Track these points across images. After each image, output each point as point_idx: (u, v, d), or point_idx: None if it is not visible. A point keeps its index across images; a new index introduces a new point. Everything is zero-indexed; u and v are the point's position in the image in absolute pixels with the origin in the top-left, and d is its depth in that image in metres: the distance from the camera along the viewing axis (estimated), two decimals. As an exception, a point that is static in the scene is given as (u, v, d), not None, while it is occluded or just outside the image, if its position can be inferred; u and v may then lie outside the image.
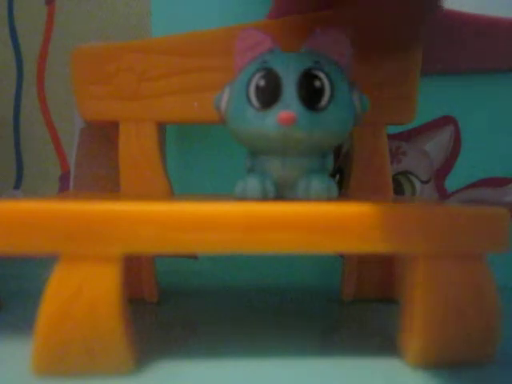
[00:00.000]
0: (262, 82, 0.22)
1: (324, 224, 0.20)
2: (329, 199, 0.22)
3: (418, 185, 0.36)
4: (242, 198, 0.23)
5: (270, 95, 0.22)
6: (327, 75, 0.22)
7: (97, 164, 0.35)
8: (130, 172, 0.30)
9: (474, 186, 0.37)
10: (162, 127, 0.32)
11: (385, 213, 0.20)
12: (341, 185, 0.34)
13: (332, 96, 0.22)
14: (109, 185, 0.34)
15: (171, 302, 0.31)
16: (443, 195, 0.37)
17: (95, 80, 0.30)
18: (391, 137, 0.35)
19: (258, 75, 0.23)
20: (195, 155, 0.36)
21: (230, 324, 0.27)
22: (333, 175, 0.36)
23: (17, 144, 0.44)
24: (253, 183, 0.23)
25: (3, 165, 0.44)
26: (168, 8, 0.36)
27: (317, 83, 0.22)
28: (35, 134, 0.44)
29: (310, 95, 0.22)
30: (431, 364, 0.21)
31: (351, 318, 0.29)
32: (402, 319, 0.22)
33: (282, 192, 0.23)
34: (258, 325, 0.27)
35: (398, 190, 0.36)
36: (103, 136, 0.35)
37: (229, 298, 0.32)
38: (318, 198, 0.22)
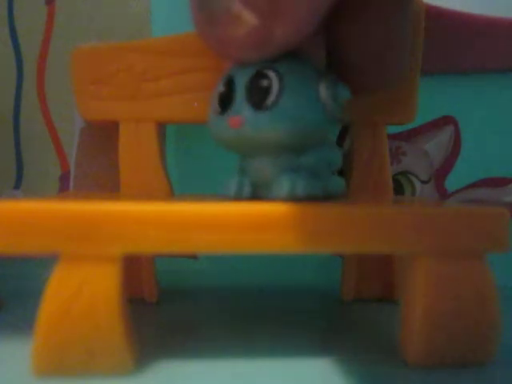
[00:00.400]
0: (221, 89, 0.23)
1: (324, 224, 0.20)
2: (293, 199, 0.22)
3: (417, 185, 0.36)
4: (224, 196, 0.24)
5: (225, 100, 0.23)
6: (278, 73, 0.22)
7: (97, 164, 0.35)
8: (130, 172, 0.30)
9: (474, 186, 0.37)
10: (162, 127, 0.32)
11: (385, 213, 0.20)
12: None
13: (281, 94, 0.22)
14: (109, 185, 0.34)
15: (171, 302, 0.31)
16: (443, 195, 0.37)
17: (95, 80, 0.30)
18: (391, 137, 0.35)
19: (220, 82, 0.24)
20: (195, 155, 0.36)
21: (230, 324, 0.27)
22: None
23: (17, 144, 0.44)
24: (229, 183, 0.24)
25: (3, 165, 0.44)
26: (168, 8, 0.36)
27: (264, 82, 0.22)
28: (35, 134, 0.44)
29: (257, 95, 0.22)
30: (431, 364, 0.21)
31: (351, 317, 0.29)
32: (402, 319, 0.22)
33: (258, 192, 0.24)
34: (258, 325, 0.27)
35: (398, 190, 0.36)
36: (103, 136, 0.35)
37: (229, 298, 0.32)
38: (280, 198, 0.22)
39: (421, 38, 0.29)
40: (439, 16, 0.33)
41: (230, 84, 0.23)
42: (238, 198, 0.23)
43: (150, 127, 0.30)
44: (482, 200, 0.36)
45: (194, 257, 0.37)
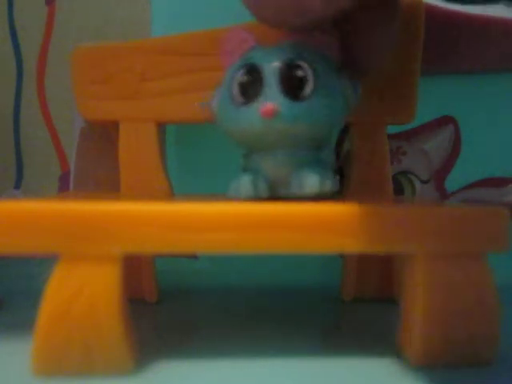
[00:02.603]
0: (244, 78, 0.22)
1: (324, 224, 0.20)
2: (323, 192, 0.22)
3: (417, 185, 0.36)
4: (235, 197, 0.23)
5: (251, 89, 0.22)
6: (310, 64, 0.22)
7: (97, 164, 0.35)
8: (130, 172, 0.30)
9: (473, 186, 0.37)
10: (162, 127, 0.32)
11: (385, 213, 0.20)
12: (341, 185, 0.34)
13: (316, 84, 0.22)
14: (109, 185, 0.34)
15: (171, 302, 0.31)
16: (443, 195, 0.37)
17: (95, 80, 0.30)
18: (391, 137, 0.35)
19: (240, 72, 0.22)
20: (195, 155, 0.36)
21: (229, 324, 0.27)
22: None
23: (17, 144, 0.44)
24: (245, 182, 0.22)
25: (3, 165, 0.44)
26: (168, 8, 0.36)
27: (299, 72, 0.22)
28: (35, 134, 0.44)
29: (292, 85, 0.21)
30: (431, 364, 0.21)
31: (351, 318, 0.29)
32: (402, 319, 0.22)
33: (275, 190, 0.23)
34: (258, 325, 0.27)
35: (398, 190, 0.36)
36: (103, 136, 0.35)
37: (229, 298, 0.32)
38: (312, 192, 0.22)
39: (420, 39, 0.29)
40: (439, 16, 0.33)
41: (253, 72, 0.22)
42: (255, 198, 0.22)
43: (150, 127, 0.30)
44: (482, 200, 0.36)
45: (194, 257, 0.37)
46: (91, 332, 0.19)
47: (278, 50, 0.23)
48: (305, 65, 0.22)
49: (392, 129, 0.34)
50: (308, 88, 0.21)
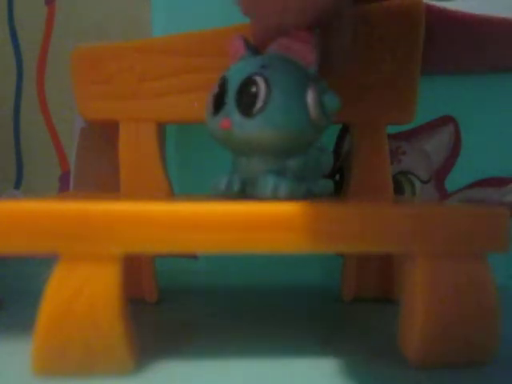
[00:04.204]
0: (216, 90, 0.24)
1: (324, 224, 0.20)
2: (275, 199, 0.23)
3: (417, 185, 0.36)
4: (214, 192, 0.25)
5: (218, 102, 0.24)
6: (266, 79, 0.23)
7: (97, 164, 0.35)
8: (130, 172, 0.30)
9: (474, 185, 0.37)
10: (162, 127, 0.32)
11: (384, 213, 0.20)
12: (341, 185, 0.34)
13: (269, 100, 0.22)
14: (109, 185, 0.34)
15: (171, 302, 0.31)
16: (443, 195, 0.37)
17: (95, 80, 0.30)
18: (391, 137, 0.35)
19: (217, 83, 0.24)
20: (195, 155, 0.36)
21: (229, 324, 0.27)
22: (333, 175, 0.36)
23: (17, 144, 0.44)
24: (221, 178, 0.25)
25: (3, 165, 0.44)
26: (168, 8, 0.36)
27: (253, 89, 0.23)
28: (35, 134, 0.44)
29: (246, 101, 0.23)
30: (431, 364, 0.21)
31: (351, 318, 0.29)
32: (402, 319, 0.22)
33: (246, 188, 0.25)
34: (258, 325, 0.27)
35: (398, 190, 0.36)
36: (103, 136, 0.35)
37: (229, 298, 0.32)
38: (264, 197, 0.23)
39: (420, 39, 0.29)
40: (441, 16, 0.33)
41: (223, 86, 0.24)
42: (227, 193, 0.25)
43: (150, 127, 0.30)
44: (482, 200, 0.36)
45: (194, 257, 0.37)
46: (91, 332, 0.19)
47: (247, 64, 0.24)
48: (260, 80, 0.23)
49: (392, 129, 0.34)
50: (258, 104, 0.23)
